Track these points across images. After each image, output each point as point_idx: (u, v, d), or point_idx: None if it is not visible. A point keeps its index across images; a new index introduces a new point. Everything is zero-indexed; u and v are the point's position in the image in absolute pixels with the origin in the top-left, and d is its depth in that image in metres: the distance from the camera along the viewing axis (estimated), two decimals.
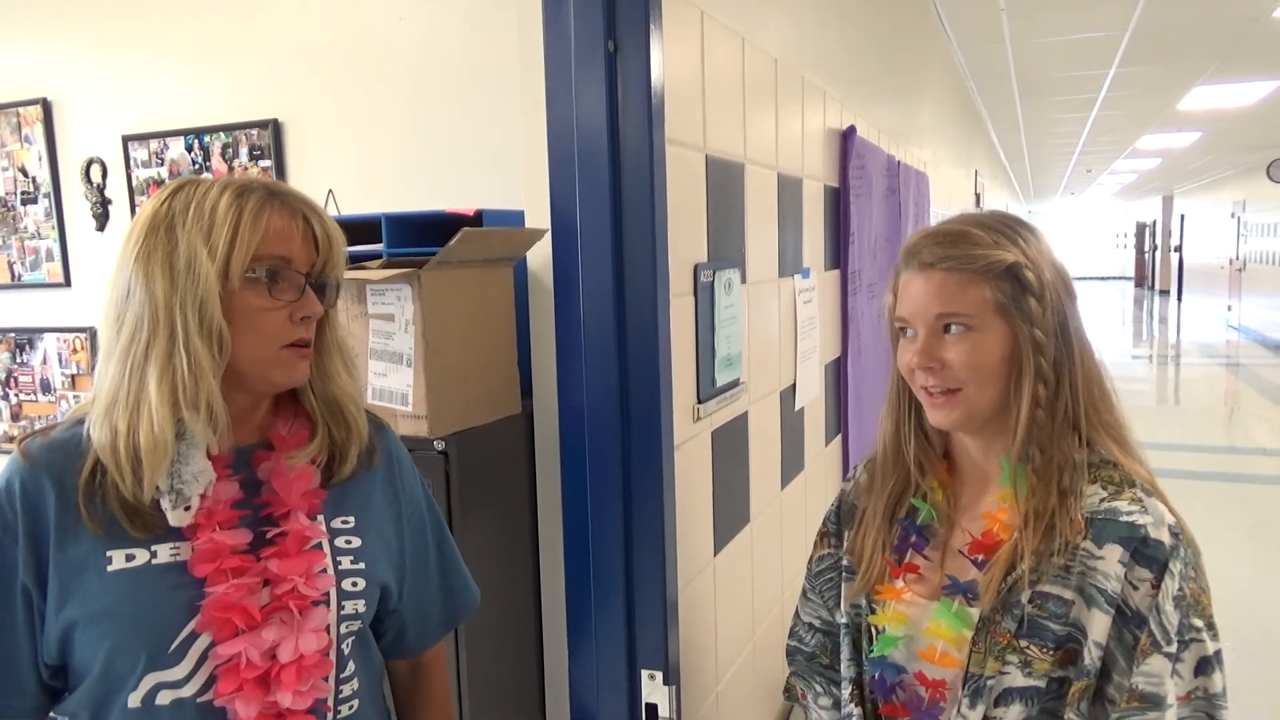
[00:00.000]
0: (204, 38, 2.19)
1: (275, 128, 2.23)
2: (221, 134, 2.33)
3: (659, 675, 1.31)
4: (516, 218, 1.49)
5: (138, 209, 0.91)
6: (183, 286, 0.84)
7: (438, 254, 1.29)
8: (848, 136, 2.46)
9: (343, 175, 1.91)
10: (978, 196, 7.48)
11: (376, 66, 1.95)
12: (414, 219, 1.45)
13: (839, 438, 2.49)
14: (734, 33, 1.65)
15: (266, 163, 2.28)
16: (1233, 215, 16.47)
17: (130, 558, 0.85)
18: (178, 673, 0.85)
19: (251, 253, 0.87)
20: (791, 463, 2.03)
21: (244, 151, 2.32)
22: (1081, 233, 31.48)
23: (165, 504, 0.85)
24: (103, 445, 0.84)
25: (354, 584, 0.94)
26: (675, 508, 1.35)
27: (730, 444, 1.62)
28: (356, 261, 1.36)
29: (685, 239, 1.43)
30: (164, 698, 0.85)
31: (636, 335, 1.29)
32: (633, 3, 1.24)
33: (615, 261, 1.28)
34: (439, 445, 1.32)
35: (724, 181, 1.58)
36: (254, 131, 2.29)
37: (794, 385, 2.01)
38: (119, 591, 0.84)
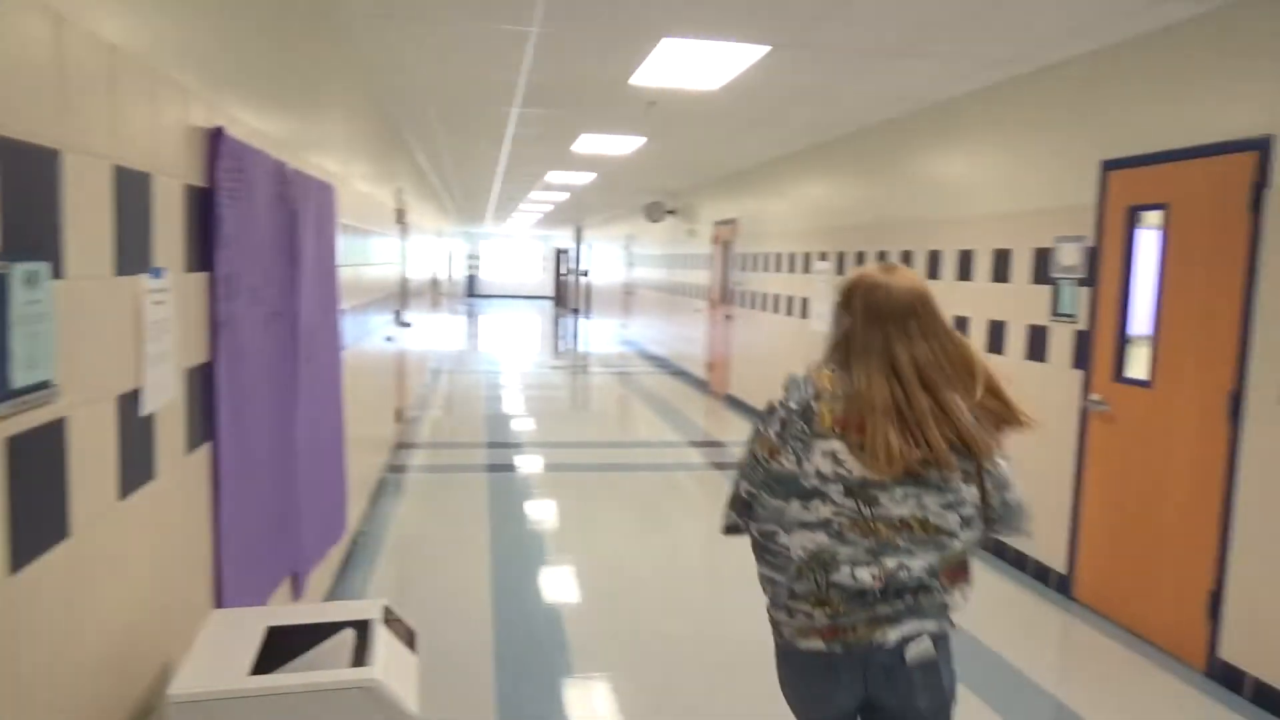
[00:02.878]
0: None
1: None
2: None
3: None
4: None
5: None
6: None
7: None
8: (216, 137, 2.41)
9: None
10: (399, 212, 7.77)
11: None
12: None
13: (208, 446, 2.42)
14: (47, 9, 1.54)
15: None
16: (624, 247, 19.38)
17: None
18: None
19: None
20: (138, 471, 1.93)
21: None
22: (512, 255, 34.34)
23: None
24: None
25: None
26: None
27: (36, 452, 1.49)
28: None
29: None
30: None
31: None
32: None
33: None
34: None
35: (28, 166, 1.46)
36: None
37: (139, 389, 1.92)
38: None
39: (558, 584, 4.99)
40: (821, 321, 8.10)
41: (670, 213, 14.48)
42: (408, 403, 8.98)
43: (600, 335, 20.68)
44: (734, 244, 11.30)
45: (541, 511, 6.41)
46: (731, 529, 2.05)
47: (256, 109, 2.99)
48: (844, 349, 1.97)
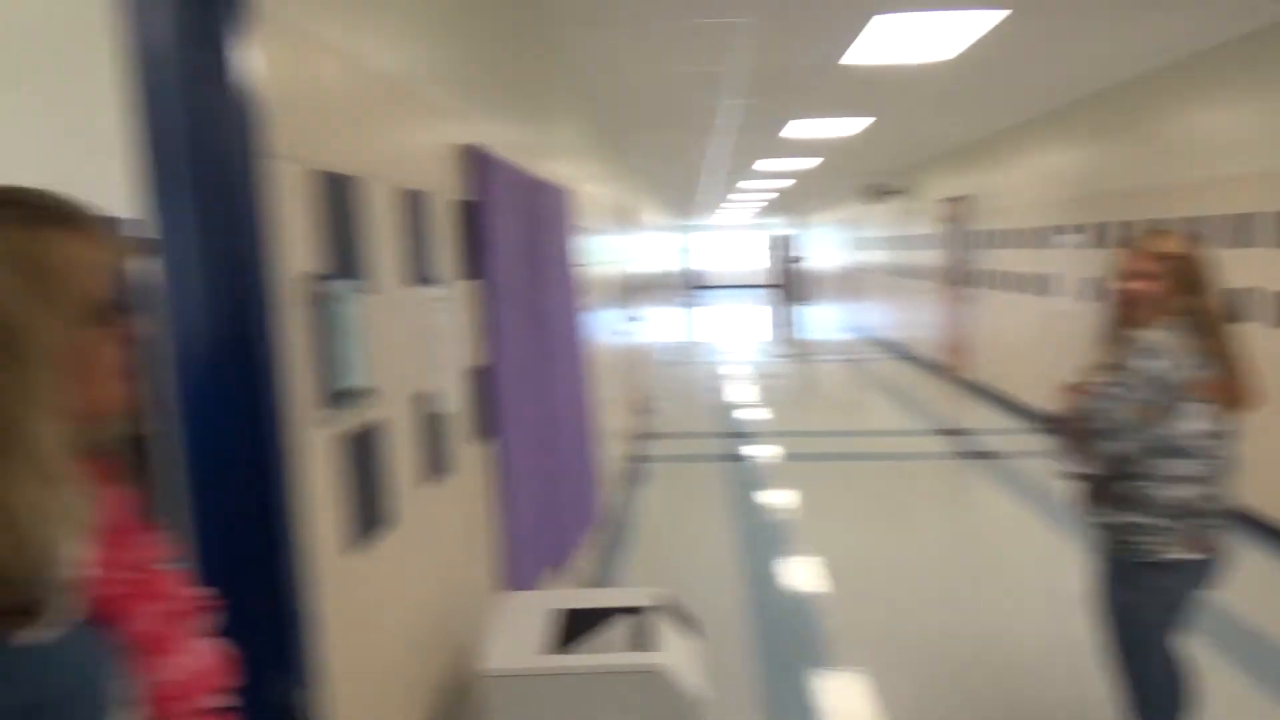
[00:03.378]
0: None
1: None
2: None
3: (295, 678, 1.32)
4: None
5: None
6: None
7: None
8: (478, 154, 2.58)
9: None
10: (625, 211, 7.99)
11: None
12: None
13: (490, 440, 2.59)
14: (342, 53, 1.70)
15: None
16: (849, 231, 18.95)
17: None
18: None
19: None
20: (437, 465, 2.10)
21: None
22: (731, 245, 34.43)
23: None
24: None
25: None
26: (303, 513, 1.37)
27: (362, 448, 1.66)
28: None
29: (297, 251, 1.46)
30: None
31: (249, 346, 1.30)
32: (226, 21, 1.25)
33: (223, 274, 1.28)
34: None
35: (338, 195, 1.62)
36: None
37: (434, 390, 2.09)
38: None
39: (805, 574, 4.96)
40: (1072, 300, 7.54)
41: (893, 193, 14.00)
42: (642, 395, 9.25)
43: (825, 322, 20.35)
44: (965, 221, 10.76)
45: (780, 500, 6.39)
46: (1082, 479, 2.54)
47: (503, 123, 3.18)
48: (1197, 316, 2.36)
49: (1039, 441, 2.73)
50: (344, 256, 1.63)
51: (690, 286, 32.86)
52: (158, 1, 1.24)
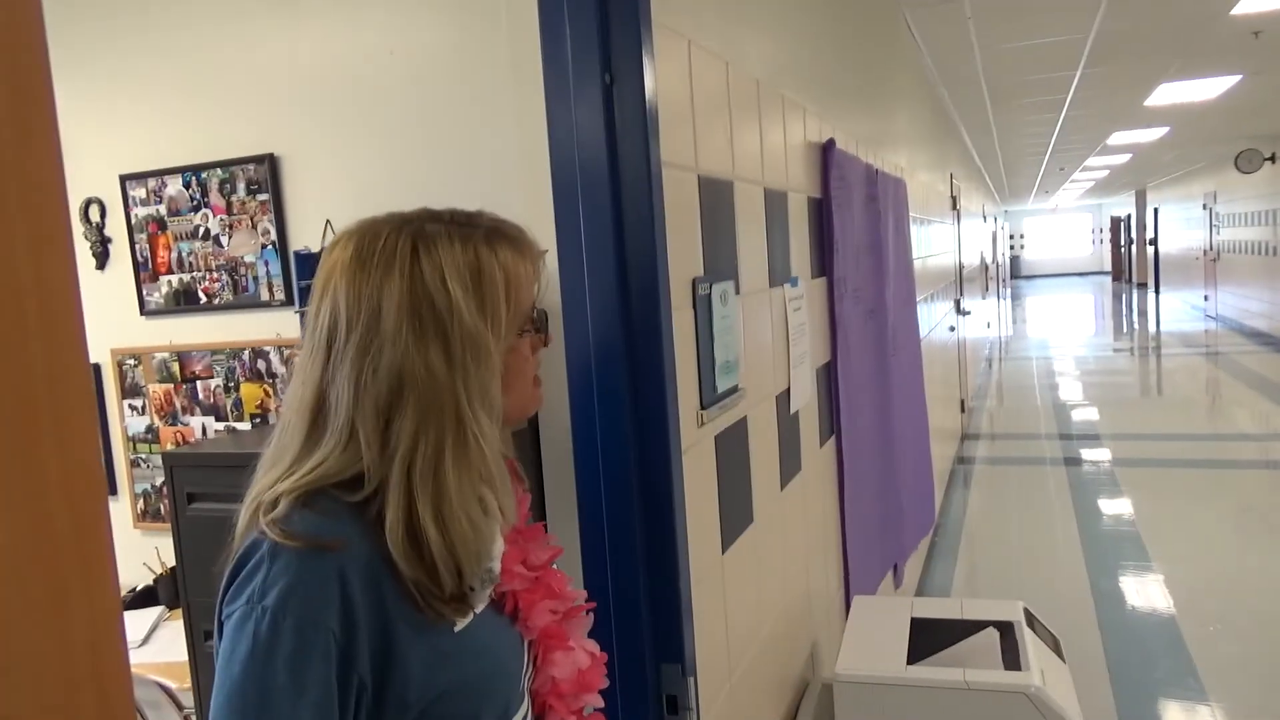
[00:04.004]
0: (197, 75, 2.26)
1: (271, 162, 2.30)
2: (218, 170, 2.40)
3: (678, 668, 1.38)
4: None
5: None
6: None
7: None
8: (827, 149, 2.55)
9: (340, 207, 1.98)
10: (954, 199, 7.61)
11: (369, 98, 2.01)
12: None
13: (833, 439, 2.57)
14: (719, 58, 1.74)
15: (264, 196, 2.35)
16: (1204, 207, 16.73)
17: None
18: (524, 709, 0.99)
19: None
20: (790, 464, 2.11)
21: (241, 186, 2.39)
22: (1058, 229, 31.78)
23: None
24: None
25: None
26: (685, 509, 1.43)
27: (732, 447, 1.70)
28: None
29: (683, 255, 1.51)
30: None
31: (642, 348, 1.37)
32: (626, 37, 1.32)
33: (619, 280, 1.36)
34: None
35: (715, 199, 1.67)
36: (250, 166, 2.36)
37: (789, 389, 2.10)
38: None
39: (1163, 595, 4.45)
40: None
41: (1269, 160, 12.17)
42: (968, 392, 8.77)
43: (1174, 311, 18.15)
44: None
45: (1127, 510, 5.78)
46: None
47: (849, 116, 3.12)
48: None
49: None
50: (719, 259, 1.67)
51: (1014, 275, 30.69)
52: (567, 20, 1.34)
